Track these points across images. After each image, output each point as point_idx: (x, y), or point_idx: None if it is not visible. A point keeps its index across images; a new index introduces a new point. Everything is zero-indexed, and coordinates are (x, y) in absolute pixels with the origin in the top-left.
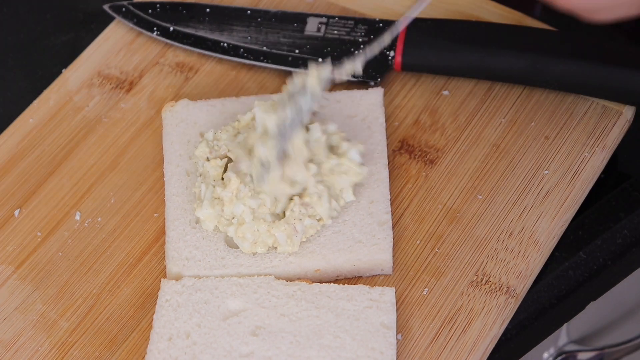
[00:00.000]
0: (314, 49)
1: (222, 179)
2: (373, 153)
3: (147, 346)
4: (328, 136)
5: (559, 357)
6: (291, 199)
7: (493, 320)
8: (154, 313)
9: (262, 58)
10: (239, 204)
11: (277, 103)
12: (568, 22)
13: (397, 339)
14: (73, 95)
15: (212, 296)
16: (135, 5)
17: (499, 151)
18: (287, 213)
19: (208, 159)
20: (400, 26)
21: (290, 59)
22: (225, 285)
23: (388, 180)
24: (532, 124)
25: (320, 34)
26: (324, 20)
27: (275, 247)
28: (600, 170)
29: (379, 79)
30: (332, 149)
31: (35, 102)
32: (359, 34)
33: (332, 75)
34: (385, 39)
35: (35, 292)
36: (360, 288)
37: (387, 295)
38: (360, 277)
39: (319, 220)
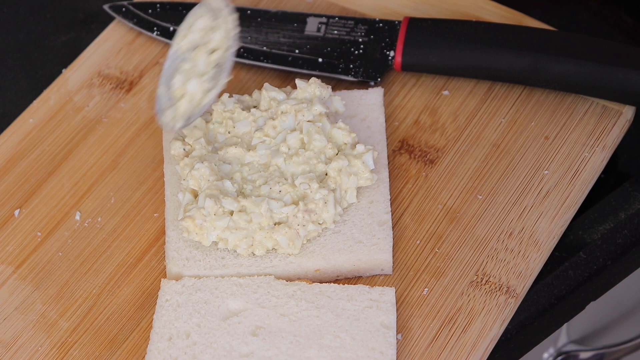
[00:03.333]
0: (314, 49)
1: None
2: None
3: (147, 346)
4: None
5: (559, 357)
6: (296, 204)
7: (493, 320)
8: (154, 313)
9: (262, 58)
10: (212, 230)
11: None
12: (568, 22)
13: (397, 339)
14: (73, 95)
15: (212, 296)
16: (135, 5)
17: (499, 151)
18: (290, 218)
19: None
20: None
21: (290, 59)
22: (225, 285)
23: (388, 180)
24: (532, 124)
25: (320, 34)
26: (324, 20)
27: (275, 249)
28: (600, 170)
29: (379, 79)
30: (340, 148)
31: (35, 102)
32: (359, 34)
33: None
34: None
35: (35, 292)
36: (360, 288)
37: (387, 295)
38: (360, 277)
39: (321, 224)
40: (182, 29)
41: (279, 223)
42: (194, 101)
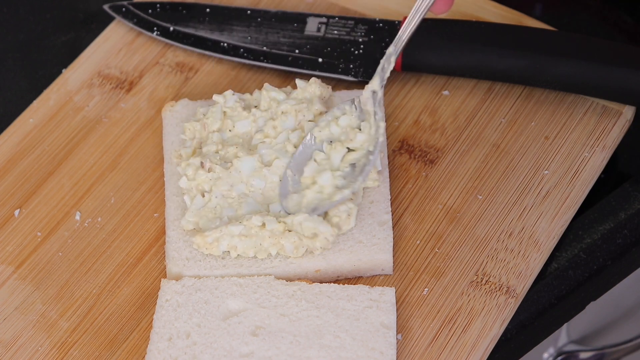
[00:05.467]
0: (314, 49)
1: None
2: None
3: (147, 346)
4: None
5: (559, 357)
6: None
7: (493, 320)
8: (154, 313)
9: (262, 58)
10: (224, 240)
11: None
12: (568, 22)
13: (397, 339)
14: (73, 95)
15: (212, 296)
16: (135, 5)
17: (499, 151)
18: (297, 228)
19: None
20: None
21: (290, 59)
22: (225, 285)
23: (388, 180)
24: (532, 124)
25: (320, 34)
26: (324, 20)
27: (279, 253)
28: (600, 170)
29: None
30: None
31: (35, 102)
32: (359, 34)
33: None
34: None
35: (35, 292)
36: (360, 288)
37: (387, 295)
38: (361, 277)
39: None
40: (325, 119)
41: (290, 230)
42: (322, 194)
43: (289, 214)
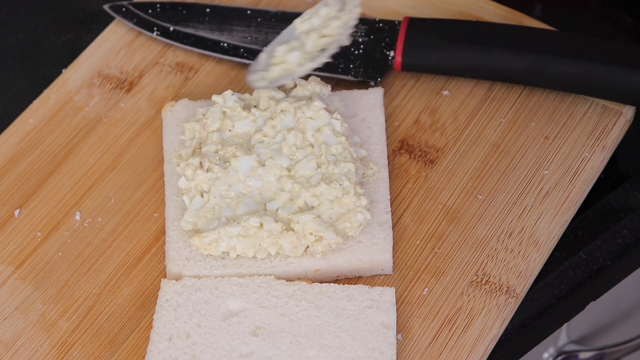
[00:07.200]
0: None
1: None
2: (373, 153)
3: (147, 346)
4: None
5: (559, 357)
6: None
7: (493, 320)
8: (154, 313)
9: None
10: (222, 241)
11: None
12: (568, 22)
13: (397, 339)
14: (73, 95)
15: (212, 296)
16: (135, 5)
17: (499, 151)
18: (296, 227)
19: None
20: None
21: None
22: (225, 285)
23: (388, 180)
24: (532, 124)
25: None
26: None
27: (278, 253)
28: (600, 170)
29: (379, 79)
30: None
31: (35, 102)
32: (359, 34)
33: None
34: None
35: (35, 292)
36: (360, 288)
37: (387, 295)
38: (361, 277)
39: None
40: (307, 12)
41: (289, 229)
42: (287, 70)
43: (254, 87)
